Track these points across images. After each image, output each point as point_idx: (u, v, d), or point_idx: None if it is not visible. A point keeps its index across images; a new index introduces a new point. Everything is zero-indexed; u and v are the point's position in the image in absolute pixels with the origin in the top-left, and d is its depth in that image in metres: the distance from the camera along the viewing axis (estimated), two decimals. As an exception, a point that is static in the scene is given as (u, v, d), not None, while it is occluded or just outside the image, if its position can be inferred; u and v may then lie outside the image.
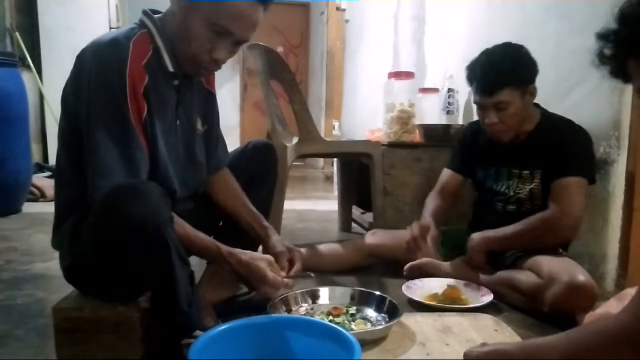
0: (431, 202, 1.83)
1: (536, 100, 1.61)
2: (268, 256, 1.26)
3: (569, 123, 1.56)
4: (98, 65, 1.05)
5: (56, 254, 1.20)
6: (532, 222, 1.52)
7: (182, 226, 1.12)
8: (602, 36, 0.74)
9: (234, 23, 1.08)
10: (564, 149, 1.51)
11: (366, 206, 2.57)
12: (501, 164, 1.68)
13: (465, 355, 0.90)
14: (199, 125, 1.30)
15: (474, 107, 1.65)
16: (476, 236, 1.62)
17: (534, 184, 1.60)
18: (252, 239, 1.40)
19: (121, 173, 1.04)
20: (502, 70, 1.51)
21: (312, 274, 1.36)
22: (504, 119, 1.55)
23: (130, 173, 1.06)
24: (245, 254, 1.21)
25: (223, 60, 1.14)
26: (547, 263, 1.42)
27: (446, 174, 1.87)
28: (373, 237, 1.88)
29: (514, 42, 1.58)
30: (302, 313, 1.33)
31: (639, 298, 0.73)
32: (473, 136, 1.79)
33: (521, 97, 1.53)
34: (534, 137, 1.60)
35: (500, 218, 1.66)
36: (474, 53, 1.61)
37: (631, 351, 0.71)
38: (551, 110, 1.63)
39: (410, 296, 1.52)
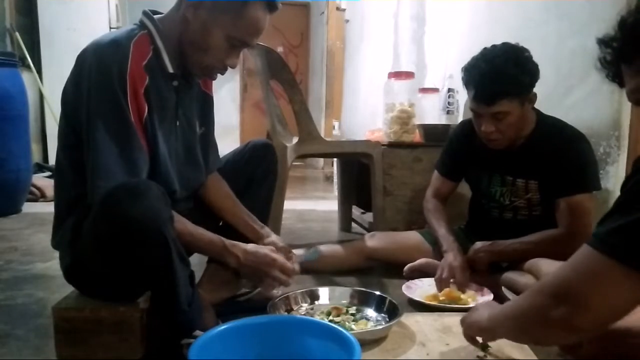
0: (435, 210, 1.78)
1: (537, 100, 1.60)
2: (271, 246, 1.28)
3: (565, 130, 1.52)
4: (98, 66, 1.05)
5: (56, 254, 1.20)
6: (542, 242, 1.50)
7: (184, 223, 1.13)
8: (601, 41, 0.77)
9: (251, 36, 1.15)
10: (566, 162, 1.47)
11: (366, 206, 2.57)
12: (494, 170, 1.64)
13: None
14: (197, 128, 1.31)
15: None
16: (481, 247, 1.59)
17: (530, 193, 1.57)
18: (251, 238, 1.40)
19: (121, 174, 1.04)
20: (504, 80, 1.42)
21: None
22: (502, 129, 1.49)
23: (131, 174, 1.06)
24: (249, 245, 1.24)
25: (235, 66, 1.20)
26: (546, 266, 1.41)
27: (437, 178, 1.84)
28: (372, 240, 1.87)
29: (514, 42, 1.54)
30: (302, 313, 1.33)
31: (576, 255, 0.73)
32: (466, 137, 1.72)
33: (520, 106, 1.47)
34: (530, 144, 1.55)
35: (497, 225, 1.66)
36: (474, 53, 1.57)
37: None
38: (551, 110, 1.62)
39: (410, 296, 1.52)
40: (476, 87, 1.47)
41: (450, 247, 1.63)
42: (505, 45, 1.49)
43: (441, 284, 1.55)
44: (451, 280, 1.55)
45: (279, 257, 1.23)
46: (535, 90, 1.53)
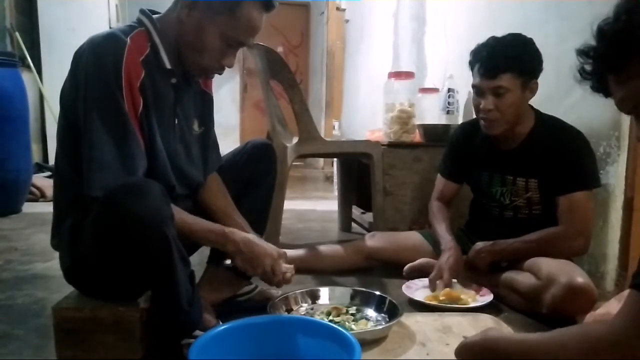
0: (438, 212, 1.78)
1: (537, 100, 1.60)
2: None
3: (564, 128, 1.53)
4: (94, 59, 1.05)
5: (56, 254, 1.20)
6: (543, 241, 1.50)
7: (178, 212, 1.09)
8: (582, 52, 0.76)
9: (248, 36, 1.15)
10: (566, 160, 1.48)
11: (366, 206, 2.57)
12: (495, 169, 1.65)
13: (456, 351, 0.90)
14: (196, 127, 1.30)
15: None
16: (483, 247, 1.59)
17: (530, 192, 1.58)
18: None
19: (117, 167, 1.04)
20: (508, 55, 1.47)
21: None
22: (501, 107, 1.50)
23: (126, 167, 1.05)
24: (249, 235, 1.22)
25: (231, 66, 1.19)
26: (546, 264, 1.41)
27: (441, 181, 1.85)
28: (372, 240, 1.87)
29: None
30: (302, 313, 1.33)
31: (629, 305, 0.72)
32: (466, 138, 1.73)
33: (522, 88, 1.49)
34: (529, 143, 1.56)
35: (497, 224, 1.66)
36: (474, 53, 1.59)
37: (620, 358, 0.71)
38: (551, 110, 1.62)
39: (410, 296, 1.52)
40: (481, 61, 1.52)
41: (447, 247, 1.63)
42: (515, 33, 1.54)
43: (430, 284, 1.57)
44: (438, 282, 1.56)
45: (275, 253, 1.20)
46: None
